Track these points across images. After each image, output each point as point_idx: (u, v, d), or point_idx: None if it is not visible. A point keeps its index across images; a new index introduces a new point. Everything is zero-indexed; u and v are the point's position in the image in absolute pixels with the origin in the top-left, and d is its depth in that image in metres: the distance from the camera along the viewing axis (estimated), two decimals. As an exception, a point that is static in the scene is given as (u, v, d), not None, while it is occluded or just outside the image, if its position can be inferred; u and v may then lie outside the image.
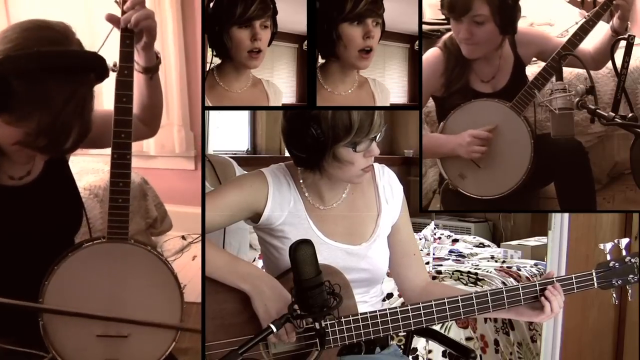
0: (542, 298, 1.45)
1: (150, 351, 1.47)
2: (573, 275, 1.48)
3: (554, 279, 1.47)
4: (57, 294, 1.41)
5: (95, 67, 1.33)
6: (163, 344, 1.47)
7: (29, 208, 1.50)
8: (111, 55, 1.38)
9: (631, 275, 1.50)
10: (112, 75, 1.38)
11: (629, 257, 1.50)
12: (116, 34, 1.43)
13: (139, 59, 1.49)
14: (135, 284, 1.45)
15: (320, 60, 1.73)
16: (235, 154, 4.48)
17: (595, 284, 1.49)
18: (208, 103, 1.71)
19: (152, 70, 1.53)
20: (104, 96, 1.52)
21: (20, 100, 1.26)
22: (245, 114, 4.63)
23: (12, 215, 1.47)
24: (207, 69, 1.70)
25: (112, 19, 1.42)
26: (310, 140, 1.39)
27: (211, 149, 4.02)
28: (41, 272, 1.41)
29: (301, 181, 1.52)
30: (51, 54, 1.27)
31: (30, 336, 1.42)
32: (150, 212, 3.18)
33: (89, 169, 2.98)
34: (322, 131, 1.39)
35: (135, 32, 1.42)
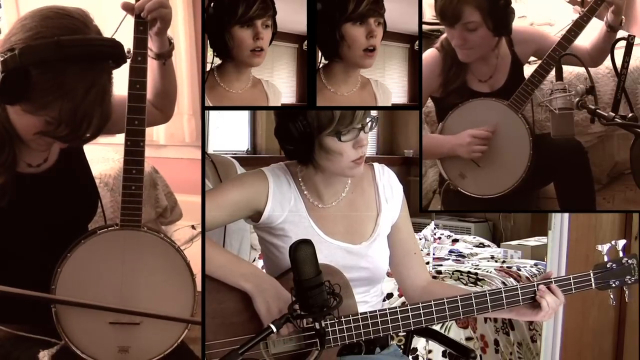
0: (537, 296, 1.46)
1: (162, 339, 1.47)
2: (571, 276, 1.48)
3: (552, 280, 1.47)
4: (70, 280, 1.41)
5: (114, 53, 1.33)
6: (175, 332, 1.48)
7: (47, 195, 1.50)
8: (124, 41, 1.38)
9: (628, 276, 1.50)
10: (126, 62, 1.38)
11: (626, 259, 1.50)
12: (129, 19, 1.43)
13: (151, 44, 1.49)
14: (147, 271, 1.45)
15: (323, 61, 1.73)
16: (235, 154, 4.49)
17: (593, 284, 1.50)
18: (208, 103, 1.71)
19: (164, 56, 1.54)
20: (116, 82, 1.51)
21: (40, 89, 1.26)
22: (245, 114, 4.63)
23: (30, 202, 1.47)
24: (208, 70, 1.70)
25: (126, 6, 1.42)
26: (296, 131, 1.41)
27: (211, 149, 4.02)
28: (56, 259, 1.42)
29: (300, 180, 1.52)
30: (71, 43, 1.27)
31: (43, 323, 1.43)
32: (161, 201, 3.18)
33: (100, 157, 2.97)
34: (308, 122, 1.41)
35: (149, 20, 1.43)
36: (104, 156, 3.00)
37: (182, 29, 3.74)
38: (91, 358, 1.44)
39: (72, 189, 1.56)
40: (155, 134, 3.86)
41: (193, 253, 1.53)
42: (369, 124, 1.44)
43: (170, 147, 3.93)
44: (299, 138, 1.42)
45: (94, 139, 1.39)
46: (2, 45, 1.30)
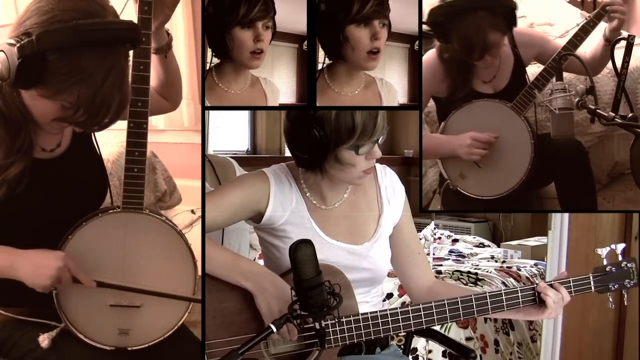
0: (542, 294, 1.45)
1: (162, 321, 1.47)
2: (571, 279, 1.49)
3: (552, 282, 1.47)
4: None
5: (131, 36, 1.31)
6: (175, 315, 1.47)
7: (61, 179, 1.49)
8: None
9: (627, 280, 1.50)
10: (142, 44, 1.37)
11: (624, 262, 1.51)
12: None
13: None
14: (149, 253, 1.45)
15: (327, 61, 1.72)
16: (235, 154, 4.48)
17: (593, 287, 1.50)
18: (208, 103, 1.71)
19: (164, 49, 1.53)
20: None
21: (57, 74, 1.24)
22: (245, 114, 4.63)
23: (45, 187, 1.46)
24: (207, 69, 1.70)
25: None
26: (312, 142, 1.39)
27: (211, 149, 4.01)
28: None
29: (302, 181, 1.52)
30: (89, 27, 1.24)
31: (43, 306, 1.42)
32: (160, 185, 3.17)
33: (99, 142, 2.96)
34: (325, 133, 1.38)
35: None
36: (102, 141, 2.99)
37: (180, 11, 3.67)
38: (91, 341, 1.44)
39: (84, 172, 1.55)
40: (154, 119, 3.82)
41: (193, 238, 1.52)
42: (384, 135, 1.43)
43: (169, 132, 3.90)
44: (315, 149, 1.40)
45: (112, 124, 1.37)
46: (16, 29, 1.27)
